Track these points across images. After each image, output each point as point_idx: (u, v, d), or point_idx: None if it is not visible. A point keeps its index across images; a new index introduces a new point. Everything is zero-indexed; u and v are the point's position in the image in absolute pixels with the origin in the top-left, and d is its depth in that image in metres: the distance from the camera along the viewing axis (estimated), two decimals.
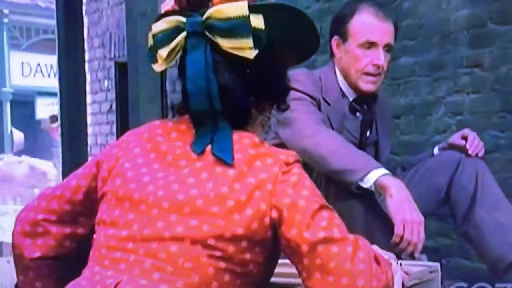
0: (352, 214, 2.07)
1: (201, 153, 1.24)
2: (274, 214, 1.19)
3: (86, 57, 6.17)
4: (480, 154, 2.29)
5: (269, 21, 1.25)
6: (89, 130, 6.41)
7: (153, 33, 1.29)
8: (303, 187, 1.22)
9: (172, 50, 1.27)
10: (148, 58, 1.33)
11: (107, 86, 6.54)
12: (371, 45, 2.23)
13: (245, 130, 1.30)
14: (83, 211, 1.35)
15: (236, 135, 1.26)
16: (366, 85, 2.27)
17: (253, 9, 1.24)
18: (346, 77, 2.29)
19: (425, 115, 3.46)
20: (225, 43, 1.23)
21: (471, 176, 2.24)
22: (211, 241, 1.16)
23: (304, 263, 1.19)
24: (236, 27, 1.22)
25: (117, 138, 6.63)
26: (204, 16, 1.24)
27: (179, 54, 1.28)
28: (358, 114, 2.33)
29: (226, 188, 1.19)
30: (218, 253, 1.16)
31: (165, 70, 4.74)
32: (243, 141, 1.26)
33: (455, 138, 2.36)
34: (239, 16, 1.22)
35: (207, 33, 1.24)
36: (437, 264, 1.76)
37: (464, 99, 3.27)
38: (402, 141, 3.52)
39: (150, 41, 1.31)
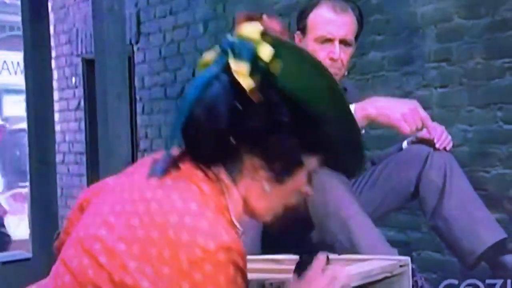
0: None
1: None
2: None
3: (53, 54, 6.08)
4: (448, 148, 2.31)
5: (285, 65, 1.15)
6: (57, 127, 6.32)
7: None
8: None
9: (205, 61, 1.20)
10: None
11: (75, 83, 6.46)
12: (327, 39, 2.24)
13: (232, 178, 1.17)
14: None
15: (187, 170, 1.16)
16: None
17: (269, 39, 1.15)
18: None
19: None
20: (231, 62, 1.15)
21: (440, 169, 2.25)
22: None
23: None
24: (241, 47, 1.15)
25: (86, 135, 6.58)
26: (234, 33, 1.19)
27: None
28: None
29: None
30: None
31: (134, 65, 4.70)
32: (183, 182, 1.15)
33: (424, 132, 2.37)
34: (247, 37, 1.16)
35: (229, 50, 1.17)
36: (408, 258, 1.76)
37: (432, 93, 3.29)
38: (372, 136, 3.53)
39: None
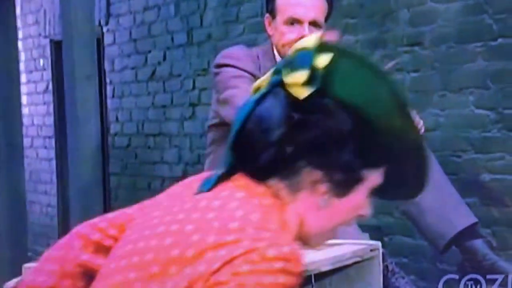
0: None
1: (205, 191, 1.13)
2: None
3: (20, 35, 5.98)
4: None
5: (343, 72, 1.12)
6: (25, 110, 6.22)
7: None
8: None
9: (258, 86, 1.17)
10: None
11: (43, 65, 6.35)
12: (296, 21, 2.22)
13: (293, 192, 1.12)
14: None
15: (247, 188, 1.11)
16: None
17: (326, 47, 1.11)
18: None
19: None
20: (285, 77, 1.12)
21: None
22: None
23: None
24: (296, 59, 1.12)
25: (54, 118, 6.50)
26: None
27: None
28: None
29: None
30: None
31: (103, 47, 4.61)
32: (247, 199, 1.09)
33: None
34: (303, 48, 1.12)
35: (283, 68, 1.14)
36: (378, 243, 1.76)
37: (405, 78, 3.28)
38: None
39: None
